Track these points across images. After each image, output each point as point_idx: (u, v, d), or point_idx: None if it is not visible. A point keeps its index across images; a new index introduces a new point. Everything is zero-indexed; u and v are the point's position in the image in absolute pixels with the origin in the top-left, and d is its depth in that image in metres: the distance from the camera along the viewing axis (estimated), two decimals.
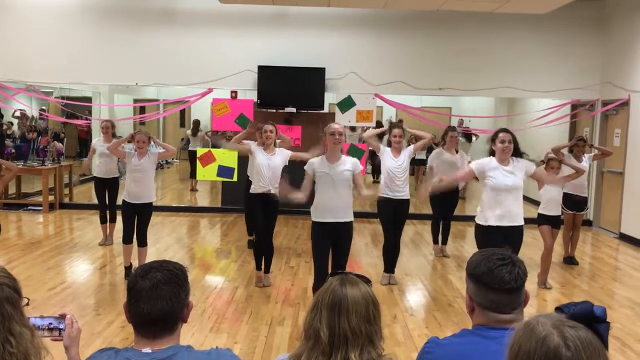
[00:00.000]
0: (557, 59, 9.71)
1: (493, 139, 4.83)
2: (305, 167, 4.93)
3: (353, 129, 12.83)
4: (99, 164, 7.64)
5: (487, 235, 4.85)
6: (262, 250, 6.13)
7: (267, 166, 5.95)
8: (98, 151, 7.57)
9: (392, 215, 6.16)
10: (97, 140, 7.70)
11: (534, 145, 11.89)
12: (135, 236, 6.17)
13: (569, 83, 9.70)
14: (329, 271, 4.84)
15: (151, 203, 6.21)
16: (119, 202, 6.55)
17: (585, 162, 7.00)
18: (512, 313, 1.88)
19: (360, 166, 4.97)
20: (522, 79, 9.72)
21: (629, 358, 4.51)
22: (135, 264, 6.06)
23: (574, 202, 7.06)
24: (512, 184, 4.73)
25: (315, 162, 4.91)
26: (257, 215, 6.07)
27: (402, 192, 6.15)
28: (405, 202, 6.20)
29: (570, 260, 7.30)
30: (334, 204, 4.85)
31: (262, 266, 6.12)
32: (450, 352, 1.89)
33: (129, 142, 6.59)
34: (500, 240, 4.61)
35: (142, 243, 6.17)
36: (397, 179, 6.12)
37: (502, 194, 4.73)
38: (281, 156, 6.05)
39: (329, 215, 4.86)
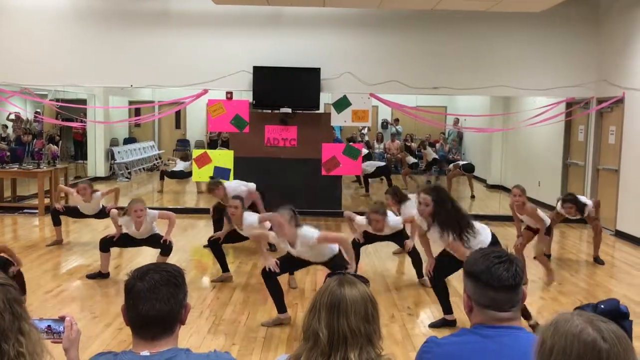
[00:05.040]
0: (552, 57, 9.73)
1: None
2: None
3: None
4: (83, 209, 7.60)
5: None
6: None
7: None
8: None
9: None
10: (77, 197, 7.51)
11: (530, 143, 11.95)
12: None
13: (564, 81, 9.72)
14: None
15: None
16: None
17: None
18: (511, 311, 1.88)
19: (310, 237, 4.75)
20: (517, 78, 9.73)
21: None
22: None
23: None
24: None
25: (278, 240, 4.95)
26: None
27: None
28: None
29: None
30: (313, 259, 5.06)
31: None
32: (448, 351, 1.89)
33: (123, 214, 6.22)
34: None
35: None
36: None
37: None
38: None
39: (309, 259, 5.07)
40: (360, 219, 6.27)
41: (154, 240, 6.26)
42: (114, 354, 1.80)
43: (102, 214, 7.60)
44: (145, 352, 1.76)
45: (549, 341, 1.30)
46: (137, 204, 5.97)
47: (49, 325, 1.97)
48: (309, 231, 4.78)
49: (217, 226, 7.32)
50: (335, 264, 4.86)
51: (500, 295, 1.86)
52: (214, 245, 6.30)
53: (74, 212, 7.78)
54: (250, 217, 6.02)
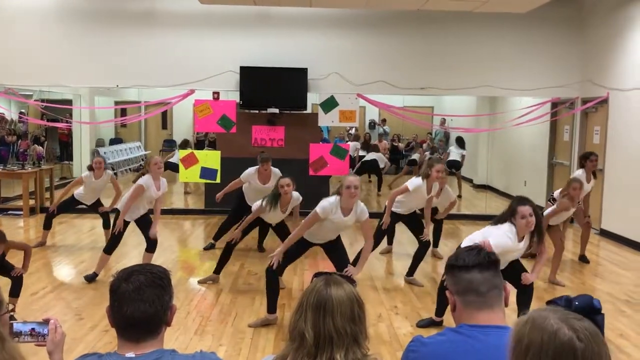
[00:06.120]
0: (538, 58, 9.80)
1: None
2: (319, 211, 4.86)
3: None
4: (85, 194, 7.54)
5: None
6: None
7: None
8: (87, 183, 7.48)
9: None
10: (88, 176, 7.44)
11: (515, 143, 12.02)
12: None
13: (549, 81, 9.79)
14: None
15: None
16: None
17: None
18: (493, 310, 1.89)
19: (366, 213, 4.96)
20: (503, 78, 9.79)
21: (610, 352, 4.56)
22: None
23: None
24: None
25: (331, 210, 4.86)
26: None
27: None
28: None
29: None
30: (328, 237, 5.15)
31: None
32: (434, 350, 1.90)
33: (143, 174, 6.29)
34: None
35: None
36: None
37: None
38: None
39: (319, 240, 5.18)
40: (415, 186, 6.22)
41: (145, 221, 6.38)
42: (99, 355, 1.79)
43: (98, 204, 7.69)
44: (131, 354, 1.75)
45: (525, 339, 1.32)
46: (155, 158, 6.37)
47: (33, 328, 1.95)
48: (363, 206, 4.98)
49: (234, 219, 7.17)
50: (339, 246, 5.20)
51: (474, 274, 1.89)
52: (228, 246, 6.21)
53: (69, 203, 7.72)
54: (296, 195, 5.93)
